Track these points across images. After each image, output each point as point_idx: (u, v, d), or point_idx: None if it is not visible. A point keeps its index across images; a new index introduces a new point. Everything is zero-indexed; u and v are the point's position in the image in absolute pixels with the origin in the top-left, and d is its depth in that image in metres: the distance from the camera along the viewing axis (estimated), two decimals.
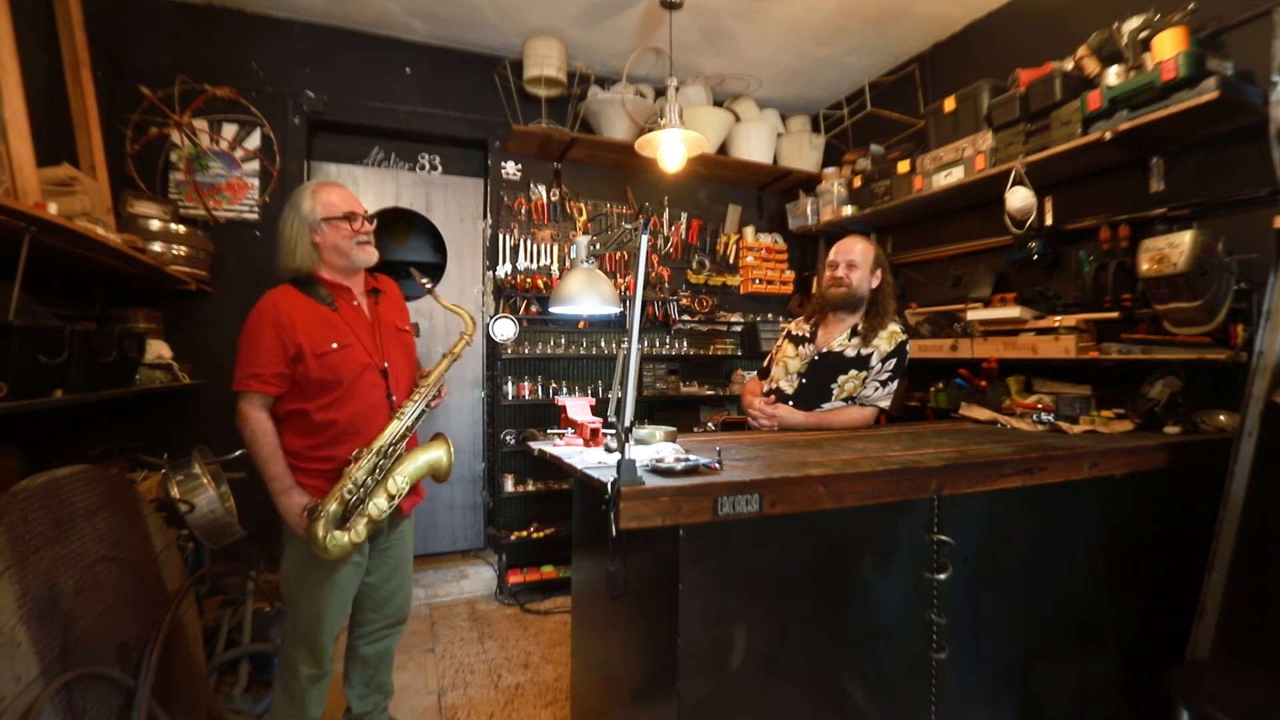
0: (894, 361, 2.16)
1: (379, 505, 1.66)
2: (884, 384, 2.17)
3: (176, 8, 2.96)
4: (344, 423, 1.71)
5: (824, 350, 2.23)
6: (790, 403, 2.21)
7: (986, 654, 1.59)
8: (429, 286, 1.90)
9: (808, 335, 2.32)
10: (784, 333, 2.47)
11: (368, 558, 1.82)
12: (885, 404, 2.20)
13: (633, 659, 1.50)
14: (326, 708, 1.85)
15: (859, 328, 2.21)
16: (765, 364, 2.47)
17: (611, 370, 3.64)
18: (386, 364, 1.79)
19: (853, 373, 2.17)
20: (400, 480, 1.71)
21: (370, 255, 1.80)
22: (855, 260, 2.21)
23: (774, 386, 2.30)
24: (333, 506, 1.61)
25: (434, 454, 1.78)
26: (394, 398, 1.79)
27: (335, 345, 1.70)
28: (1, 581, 1.27)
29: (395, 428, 1.72)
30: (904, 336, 2.19)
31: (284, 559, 1.78)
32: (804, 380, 2.23)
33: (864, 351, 2.17)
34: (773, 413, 2.16)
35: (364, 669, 1.94)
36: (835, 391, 2.18)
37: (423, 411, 1.79)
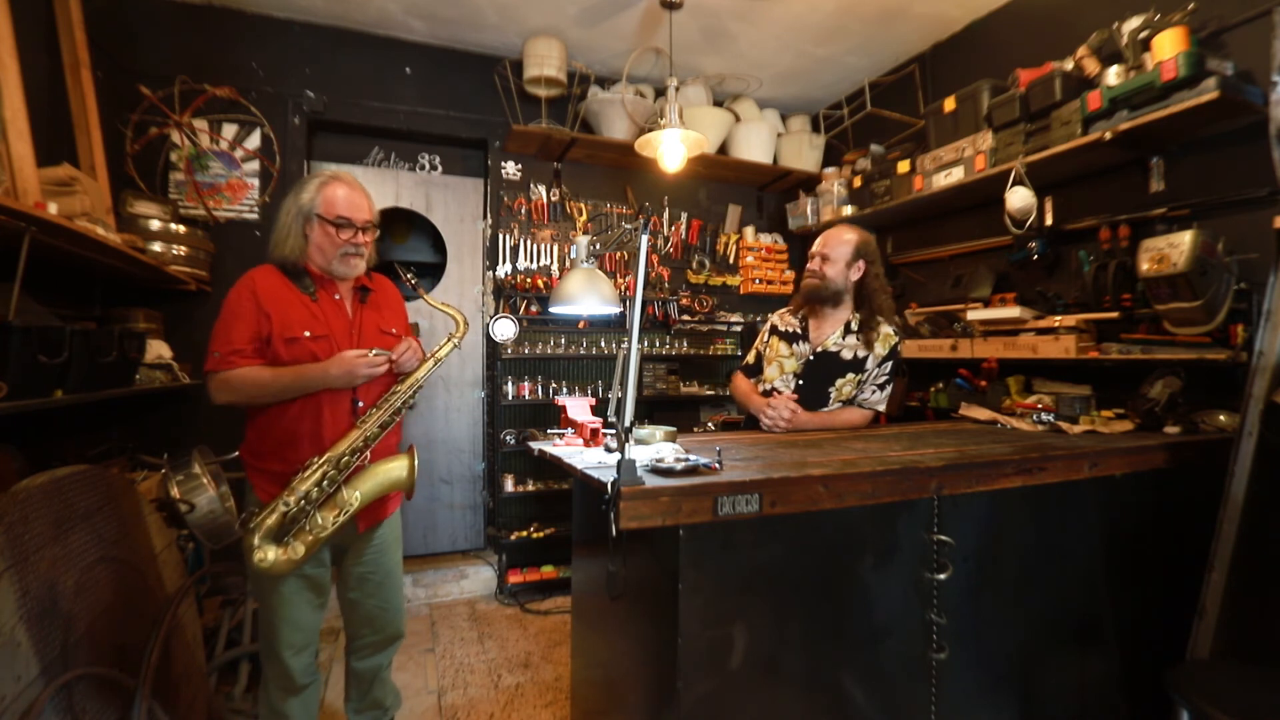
0: (890, 365, 2.16)
1: (323, 522, 1.56)
2: (881, 387, 2.17)
3: (176, 8, 2.96)
4: (300, 422, 1.62)
5: (819, 350, 2.19)
6: None
7: (986, 654, 1.59)
8: (413, 282, 1.85)
9: (799, 331, 2.26)
10: (768, 327, 2.38)
11: (326, 567, 1.72)
12: (883, 407, 2.20)
13: (633, 659, 1.50)
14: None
15: (852, 325, 2.17)
16: (753, 360, 2.38)
17: (611, 370, 3.64)
18: None
19: (850, 376, 2.15)
20: (352, 495, 1.60)
21: (351, 268, 1.69)
22: (829, 253, 2.17)
23: (769, 387, 2.25)
24: (270, 519, 1.52)
25: (395, 471, 1.66)
26: (360, 403, 1.68)
27: (308, 334, 1.62)
28: (2, 581, 1.27)
29: (354, 436, 1.61)
30: (896, 339, 2.17)
31: None
32: (801, 382, 2.19)
33: (860, 354, 2.15)
34: (790, 419, 2.09)
35: (357, 684, 1.89)
36: (833, 395, 2.16)
37: (389, 421, 1.67)
